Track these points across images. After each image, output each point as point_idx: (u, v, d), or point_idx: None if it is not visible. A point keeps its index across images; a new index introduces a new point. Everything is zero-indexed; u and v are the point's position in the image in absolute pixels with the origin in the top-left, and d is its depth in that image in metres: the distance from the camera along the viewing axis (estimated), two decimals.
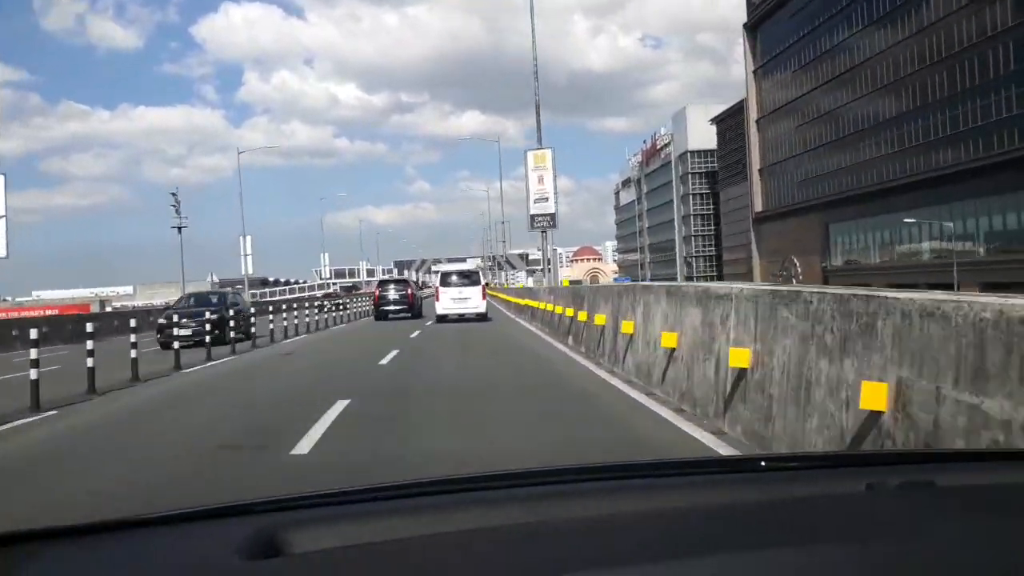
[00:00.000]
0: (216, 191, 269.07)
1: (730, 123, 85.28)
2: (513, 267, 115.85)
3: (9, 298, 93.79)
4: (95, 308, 54.93)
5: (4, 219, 25.23)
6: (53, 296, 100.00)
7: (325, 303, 34.17)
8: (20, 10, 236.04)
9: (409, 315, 28.21)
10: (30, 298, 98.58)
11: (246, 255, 45.10)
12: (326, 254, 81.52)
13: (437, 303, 25.35)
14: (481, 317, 24.97)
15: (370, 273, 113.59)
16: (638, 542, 1.03)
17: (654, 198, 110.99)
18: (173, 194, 49.27)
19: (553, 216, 35.07)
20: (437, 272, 31.94)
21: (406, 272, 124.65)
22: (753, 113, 76.75)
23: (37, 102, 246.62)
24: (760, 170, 76.44)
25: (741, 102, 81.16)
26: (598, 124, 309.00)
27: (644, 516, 1.17)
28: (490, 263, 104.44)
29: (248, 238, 45.52)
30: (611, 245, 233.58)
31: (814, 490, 1.28)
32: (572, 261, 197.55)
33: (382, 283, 32.26)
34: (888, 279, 52.42)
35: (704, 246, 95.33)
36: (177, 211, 48.67)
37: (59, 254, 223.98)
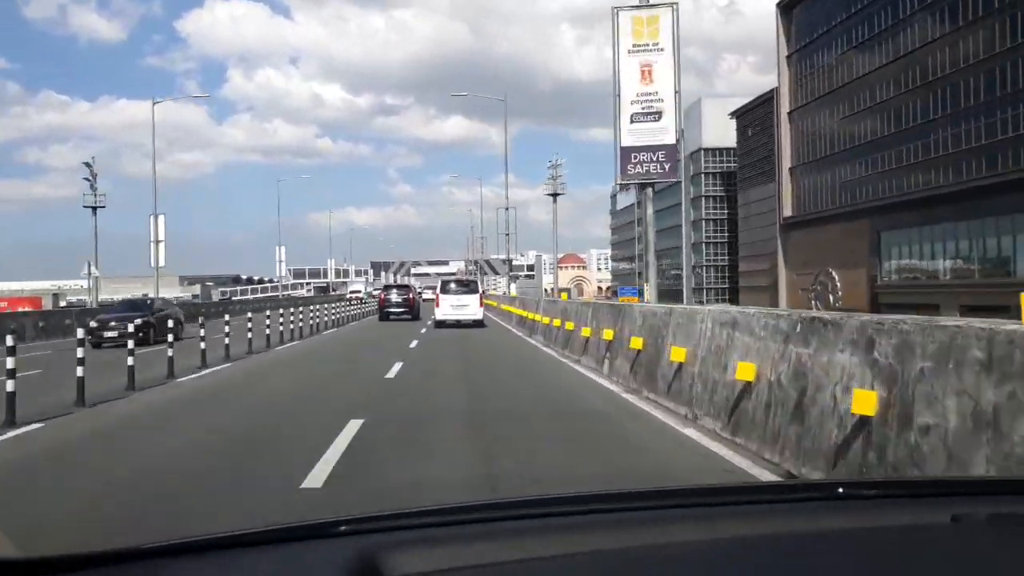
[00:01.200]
0: (195, 187, 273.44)
1: (754, 117, 75.87)
2: (496, 272, 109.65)
3: None
4: (47, 303, 51.11)
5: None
6: (13, 287, 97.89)
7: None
8: None
9: (409, 317, 31.47)
10: None
11: (157, 241, 32.89)
12: (282, 248, 71.51)
13: (437, 309, 26.30)
14: (478, 323, 25.97)
15: (341, 273, 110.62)
16: (723, 572, 1.03)
17: (658, 201, 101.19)
18: (88, 164, 38.65)
19: (672, 151, 18.59)
20: (417, 275, 41.64)
21: (383, 273, 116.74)
22: (785, 104, 67.32)
23: (17, 91, 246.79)
24: (791, 169, 66.97)
25: (768, 93, 71.79)
26: (583, 134, 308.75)
27: (723, 544, 1.15)
28: (472, 267, 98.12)
29: (161, 218, 33.11)
30: (596, 253, 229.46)
31: (896, 520, 1.23)
32: (558, 267, 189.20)
33: (386, 288, 35.54)
34: (962, 300, 43.03)
35: (716, 255, 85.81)
36: (92, 187, 37.99)
37: (33, 244, 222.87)
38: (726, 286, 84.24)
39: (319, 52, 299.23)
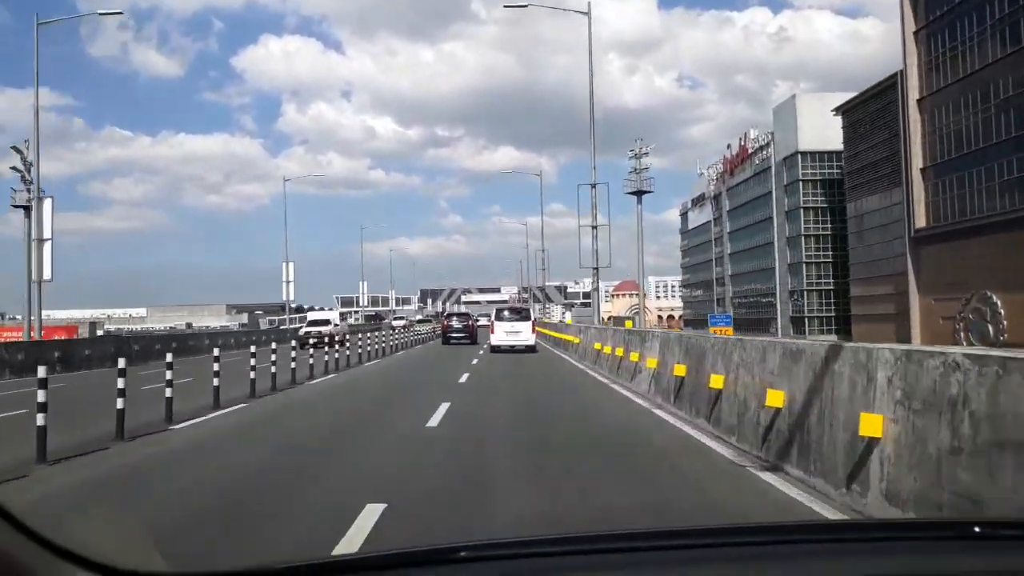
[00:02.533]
0: (253, 219, 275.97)
1: (866, 111, 63.29)
2: (550, 300, 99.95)
3: (18, 316, 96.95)
4: (83, 331, 51.18)
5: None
6: (63, 316, 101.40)
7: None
8: (68, 38, 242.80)
9: (468, 341, 34.63)
10: (43, 317, 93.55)
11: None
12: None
13: (492, 335, 27.74)
14: (530, 349, 26.98)
15: (397, 303, 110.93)
16: None
17: (740, 217, 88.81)
18: (17, 150, 28.61)
19: None
20: (467, 303, 70.30)
21: (429, 301, 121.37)
22: (914, 90, 54.74)
23: (81, 127, 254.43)
24: (924, 170, 54.18)
25: (887, 80, 59.33)
26: (633, 163, 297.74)
27: None
28: (525, 294, 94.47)
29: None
30: (654, 280, 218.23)
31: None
32: (613, 296, 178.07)
33: (448, 315, 43.13)
34: None
35: (819, 277, 72.80)
36: (24, 179, 27.88)
37: (94, 275, 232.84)
38: (833, 314, 71.14)
39: (370, 85, 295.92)
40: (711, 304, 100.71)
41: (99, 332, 55.00)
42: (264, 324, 78.58)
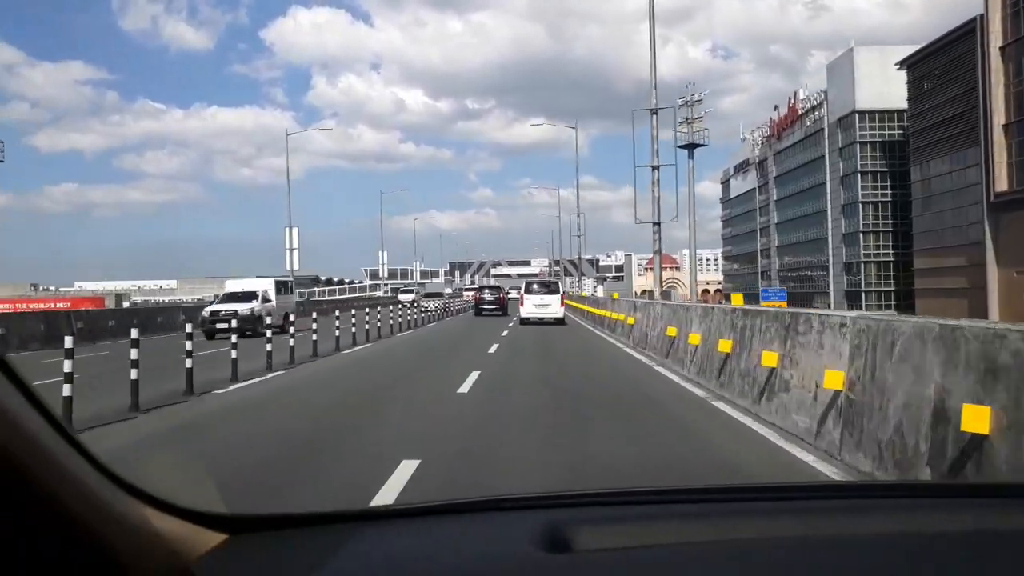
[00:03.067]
0: (283, 191, 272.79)
1: (937, 64, 57.10)
2: (582, 273, 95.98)
3: (53, 287, 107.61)
4: (110, 303, 51.36)
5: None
6: (94, 287, 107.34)
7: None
8: (100, 10, 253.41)
9: (500, 312, 35.88)
10: (72, 288, 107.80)
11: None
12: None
13: (521, 308, 28.26)
14: (559, 321, 27.17)
15: (424, 275, 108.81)
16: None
17: (788, 184, 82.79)
18: None
19: None
20: (497, 276, 65.78)
21: (457, 274, 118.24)
22: (996, 36, 48.57)
23: (115, 99, 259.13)
24: (1007, 126, 48.17)
25: (961, 28, 53.13)
26: (665, 134, 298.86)
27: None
28: (556, 267, 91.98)
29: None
30: (687, 252, 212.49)
31: (978, 524, 1.22)
32: (646, 269, 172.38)
33: (480, 288, 45.32)
34: None
35: (879, 248, 66.95)
36: None
37: (128, 247, 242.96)
38: (893, 288, 65.40)
39: (399, 57, 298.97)
40: (754, 277, 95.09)
41: (125, 304, 55.60)
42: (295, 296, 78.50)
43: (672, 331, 12.94)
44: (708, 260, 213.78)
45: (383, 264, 70.96)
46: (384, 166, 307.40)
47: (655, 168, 24.94)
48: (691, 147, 32.75)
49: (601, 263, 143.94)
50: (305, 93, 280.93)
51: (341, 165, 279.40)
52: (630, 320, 18.20)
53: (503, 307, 36.94)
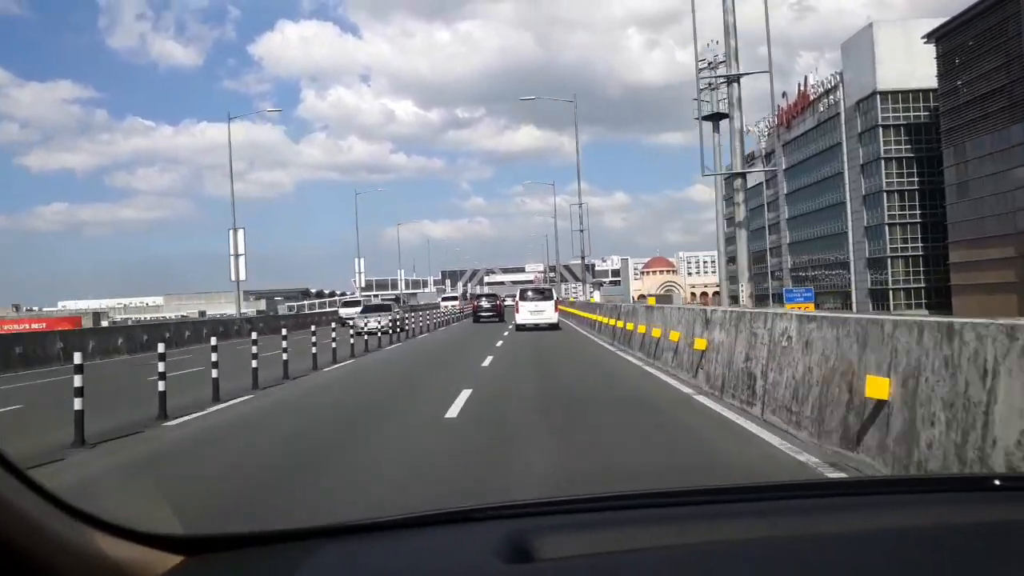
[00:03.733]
0: (275, 206, 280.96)
1: (971, 34, 51.51)
2: (576, 278, 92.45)
3: (36, 307, 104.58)
4: (87, 322, 50.81)
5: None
6: (77, 306, 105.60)
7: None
8: (88, 29, 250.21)
9: (497, 319, 37.49)
10: (56, 308, 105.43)
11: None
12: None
13: (517, 315, 28.65)
14: (553, 326, 27.60)
15: (414, 284, 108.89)
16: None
17: (800, 176, 77.09)
18: None
19: None
20: (490, 284, 72.58)
21: (448, 283, 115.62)
22: None
23: (104, 118, 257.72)
24: None
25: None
26: (654, 139, 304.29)
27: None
28: (550, 274, 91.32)
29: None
30: (685, 255, 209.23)
31: (975, 517, 1.22)
32: (643, 273, 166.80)
33: (478, 296, 47.82)
34: None
35: (905, 241, 61.21)
36: None
37: (118, 265, 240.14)
38: (924, 285, 59.68)
39: (388, 69, 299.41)
40: (763, 277, 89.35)
41: (104, 323, 54.13)
42: (283, 310, 77.33)
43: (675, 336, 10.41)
44: (705, 263, 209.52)
45: (360, 273, 65.69)
46: (376, 177, 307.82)
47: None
48: (716, 118, 26.91)
49: (597, 268, 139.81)
50: (295, 107, 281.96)
51: (332, 177, 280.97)
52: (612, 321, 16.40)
53: (500, 314, 38.49)
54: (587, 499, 1.33)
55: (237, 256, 32.56)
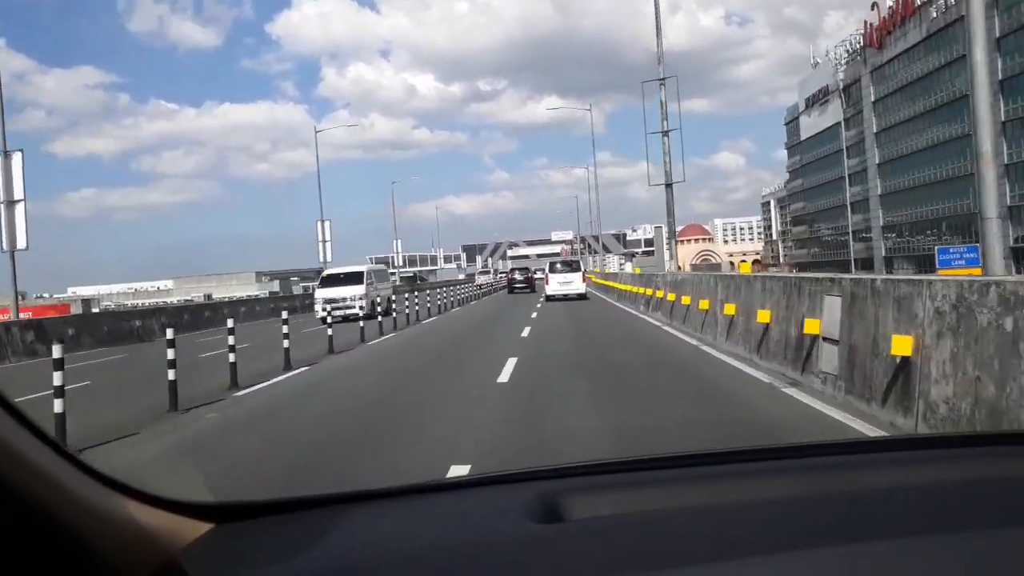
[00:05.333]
0: (301, 185, 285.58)
1: None
2: (608, 250, 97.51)
3: (47, 295, 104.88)
4: (76, 309, 50.95)
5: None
6: (86, 292, 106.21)
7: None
8: (107, 14, 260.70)
9: (529, 291, 40.37)
10: (66, 294, 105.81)
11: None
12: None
13: (546, 286, 30.04)
14: (581, 296, 29.07)
15: (433, 261, 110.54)
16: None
17: (897, 108, 61.13)
18: None
19: None
20: (514, 258, 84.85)
21: (477, 258, 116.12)
22: None
23: (127, 102, 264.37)
24: None
25: None
26: (680, 105, 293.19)
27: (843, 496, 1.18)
28: (579, 245, 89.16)
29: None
30: (720, 223, 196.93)
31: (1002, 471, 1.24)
32: (677, 242, 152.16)
33: (512, 270, 48.67)
34: None
35: None
36: None
37: (148, 249, 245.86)
38: None
39: (408, 43, 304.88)
40: (836, 243, 73.69)
41: (95, 310, 51.30)
42: (298, 290, 73.97)
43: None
44: (741, 229, 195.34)
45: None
46: (399, 154, 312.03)
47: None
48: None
49: (628, 238, 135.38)
50: (316, 85, 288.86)
51: (355, 155, 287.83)
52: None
53: (532, 285, 41.46)
54: (616, 462, 1.36)
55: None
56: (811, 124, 78.61)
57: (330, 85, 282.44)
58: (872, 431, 5.54)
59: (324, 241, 40.03)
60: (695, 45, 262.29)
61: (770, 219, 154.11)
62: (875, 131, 64.78)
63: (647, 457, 1.35)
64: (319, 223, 40.84)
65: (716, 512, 1.10)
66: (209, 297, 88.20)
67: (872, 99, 64.55)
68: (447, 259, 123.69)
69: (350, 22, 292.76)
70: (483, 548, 1.02)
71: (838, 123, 71.85)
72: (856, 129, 68.46)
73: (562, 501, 1.12)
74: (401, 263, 70.98)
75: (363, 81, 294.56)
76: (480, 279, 59.73)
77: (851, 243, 70.72)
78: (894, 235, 63.63)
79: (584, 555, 0.99)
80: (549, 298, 28.75)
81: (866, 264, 66.43)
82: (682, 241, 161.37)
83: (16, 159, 20.43)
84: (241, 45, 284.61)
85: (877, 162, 64.65)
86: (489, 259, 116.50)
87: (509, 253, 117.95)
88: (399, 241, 67.65)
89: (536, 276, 42.57)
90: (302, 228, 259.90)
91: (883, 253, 64.29)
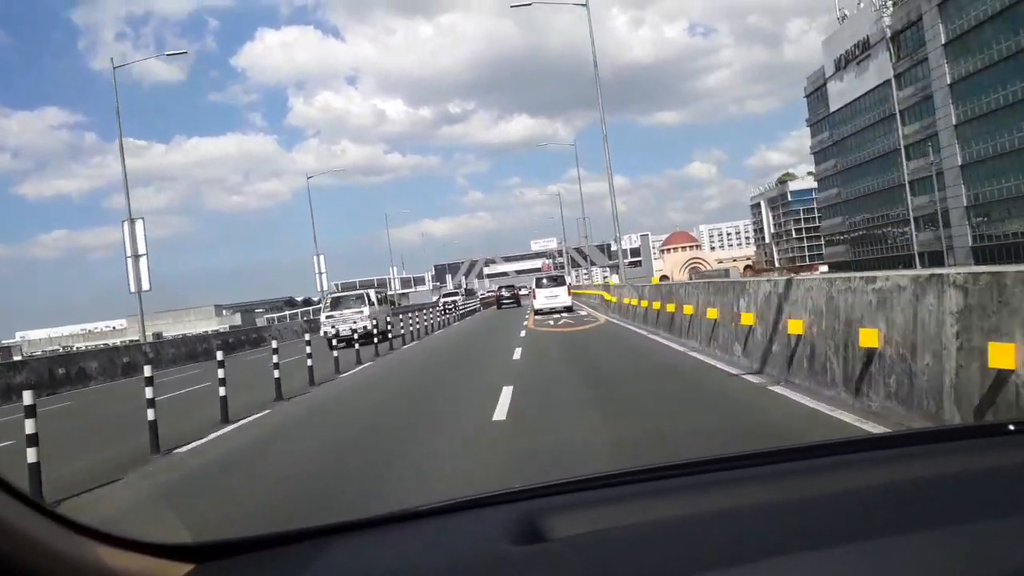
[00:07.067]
0: (274, 215, 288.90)
1: None
2: (592, 262, 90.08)
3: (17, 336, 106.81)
4: None
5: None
6: (36, 335, 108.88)
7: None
8: (67, 53, 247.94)
9: (515, 305, 43.44)
10: (14, 340, 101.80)
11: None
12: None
13: (534, 300, 31.36)
14: (567, 309, 30.12)
15: (404, 283, 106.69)
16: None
17: (980, 49, 46.15)
18: None
19: None
20: (491, 276, 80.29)
21: (448, 276, 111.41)
22: None
23: (93, 140, 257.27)
24: None
25: None
26: (649, 119, 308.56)
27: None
28: (561, 259, 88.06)
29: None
30: (706, 229, 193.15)
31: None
32: (663, 251, 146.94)
33: (500, 288, 50.69)
34: None
35: None
36: None
37: (117, 288, 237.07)
38: None
39: (375, 68, 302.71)
40: (883, 238, 58.51)
41: (16, 357, 46.29)
42: (262, 322, 73.45)
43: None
44: (729, 234, 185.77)
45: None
46: (372, 179, 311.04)
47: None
48: None
49: (612, 248, 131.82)
50: (285, 115, 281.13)
51: (327, 182, 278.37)
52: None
53: (517, 300, 45.53)
54: (596, 477, 1.33)
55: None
56: (844, 90, 63.53)
57: (299, 114, 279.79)
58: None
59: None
60: (661, 57, 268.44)
61: (760, 222, 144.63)
62: (948, 82, 49.61)
63: (627, 471, 1.33)
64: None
65: (699, 522, 1.09)
66: (158, 336, 77.42)
67: (944, 40, 49.43)
68: (417, 281, 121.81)
69: (315, 51, 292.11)
70: (465, 573, 1.02)
71: (886, 82, 56.79)
72: (914, 86, 53.40)
73: (543, 521, 1.11)
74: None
75: (332, 109, 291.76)
76: (445, 300, 49.51)
77: (913, 232, 55.49)
78: (982, 217, 48.46)
79: (570, 574, 0.98)
80: (537, 311, 30.06)
81: (935, 260, 51.32)
82: (669, 250, 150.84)
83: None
84: (207, 78, 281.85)
85: (955, 122, 49.45)
86: (464, 278, 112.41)
87: (486, 271, 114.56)
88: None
89: (521, 292, 47.94)
90: (279, 256, 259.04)
91: (969, 241, 48.99)
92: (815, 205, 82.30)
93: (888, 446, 1.49)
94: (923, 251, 54.53)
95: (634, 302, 19.53)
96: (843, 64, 63.09)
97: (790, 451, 1.43)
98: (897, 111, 55.91)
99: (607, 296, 27.83)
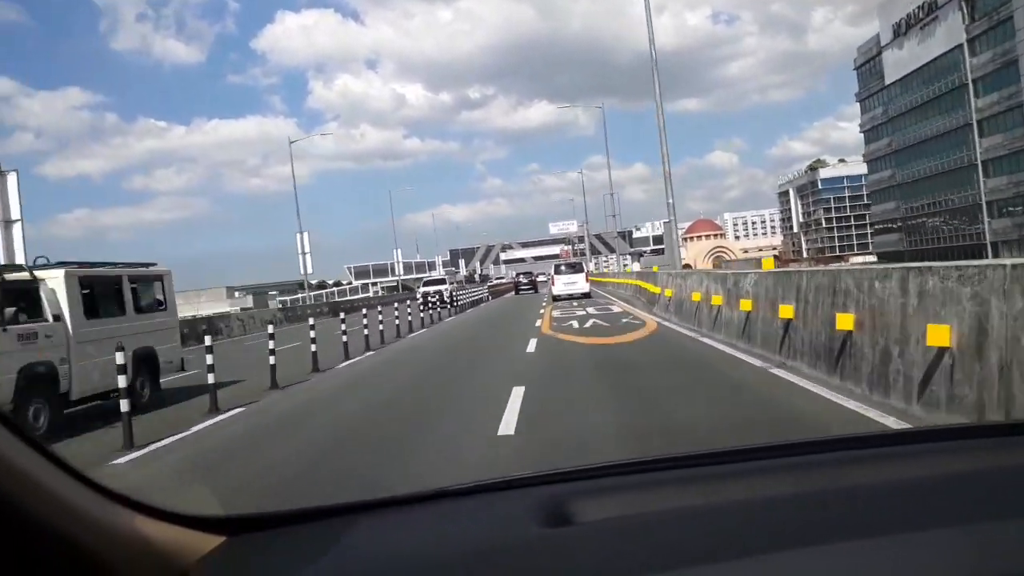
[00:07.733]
0: (292, 198, 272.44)
1: None
2: (611, 249, 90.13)
3: None
4: None
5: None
6: None
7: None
8: (89, 34, 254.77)
9: (533, 291, 46.94)
10: None
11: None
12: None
13: (552, 287, 32.64)
14: (585, 295, 30.89)
15: (418, 268, 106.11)
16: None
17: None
18: None
19: None
20: (507, 262, 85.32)
21: (460, 261, 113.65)
22: None
23: (114, 121, 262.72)
24: None
25: None
26: (671, 106, 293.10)
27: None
28: (580, 245, 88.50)
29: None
30: (731, 217, 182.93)
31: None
32: (686, 239, 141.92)
33: (519, 273, 58.93)
34: None
35: None
36: None
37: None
38: None
39: (395, 52, 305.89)
40: (955, 225, 51.85)
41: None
42: (274, 304, 69.94)
43: None
44: (754, 223, 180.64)
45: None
46: (391, 164, 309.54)
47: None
48: None
49: (634, 236, 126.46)
50: (304, 98, 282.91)
51: (347, 167, 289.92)
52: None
53: (535, 286, 49.41)
54: (623, 464, 1.36)
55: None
56: (903, 59, 56.64)
57: (319, 97, 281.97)
58: None
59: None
60: (683, 44, 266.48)
61: (788, 211, 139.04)
62: None
63: (654, 458, 1.35)
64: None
65: (723, 511, 1.11)
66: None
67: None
68: (431, 266, 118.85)
69: (334, 34, 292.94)
70: (494, 554, 1.03)
71: (956, 47, 49.93)
72: (992, 51, 46.57)
73: (571, 504, 1.12)
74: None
75: (351, 92, 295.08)
76: (427, 290, 39.31)
77: (984, 218, 48.82)
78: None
79: (595, 557, 0.99)
80: (555, 298, 30.51)
81: (1013, 251, 44.66)
82: (692, 238, 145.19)
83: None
84: (226, 61, 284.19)
85: None
86: (479, 263, 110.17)
87: (503, 256, 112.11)
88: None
89: (539, 279, 50.99)
90: (287, 244, 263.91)
91: None
92: (864, 191, 75.35)
93: (900, 443, 1.49)
94: (996, 240, 47.89)
95: (697, 297, 15.01)
96: (903, 29, 56.18)
97: (807, 444, 1.44)
98: (970, 80, 49.11)
99: (648, 287, 23.58)
